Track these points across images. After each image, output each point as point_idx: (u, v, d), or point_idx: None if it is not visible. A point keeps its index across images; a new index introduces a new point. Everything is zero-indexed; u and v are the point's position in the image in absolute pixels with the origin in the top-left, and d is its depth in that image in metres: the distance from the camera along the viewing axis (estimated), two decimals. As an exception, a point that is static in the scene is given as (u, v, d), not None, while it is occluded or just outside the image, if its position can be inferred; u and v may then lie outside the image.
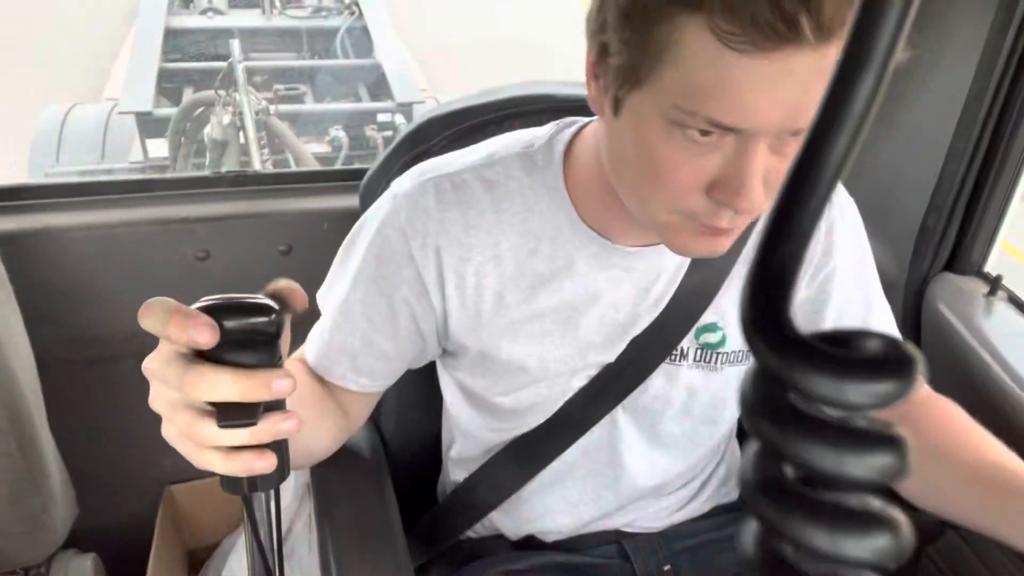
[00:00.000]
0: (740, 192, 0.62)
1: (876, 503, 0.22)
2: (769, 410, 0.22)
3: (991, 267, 1.21)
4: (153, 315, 0.48)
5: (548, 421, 0.92)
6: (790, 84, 0.57)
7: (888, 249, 1.24)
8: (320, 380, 0.89)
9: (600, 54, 0.65)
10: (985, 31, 1.05)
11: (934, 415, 0.87)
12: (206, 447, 0.52)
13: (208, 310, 0.50)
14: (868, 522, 0.21)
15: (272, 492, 0.59)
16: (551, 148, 0.82)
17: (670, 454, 0.97)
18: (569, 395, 0.90)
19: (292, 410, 0.53)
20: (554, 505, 0.99)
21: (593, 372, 0.89)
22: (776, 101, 0.58)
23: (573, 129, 0.83)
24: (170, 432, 0.53)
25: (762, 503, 0.23)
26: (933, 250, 1.19)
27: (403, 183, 0.85)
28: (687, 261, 0.85)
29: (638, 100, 0.63)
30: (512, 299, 0.84)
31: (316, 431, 0.85)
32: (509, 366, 0.87)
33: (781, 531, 0.22)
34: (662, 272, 0.85)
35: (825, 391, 0.21)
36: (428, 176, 0.84)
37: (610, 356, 0.88)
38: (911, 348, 0.21)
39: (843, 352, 0.21)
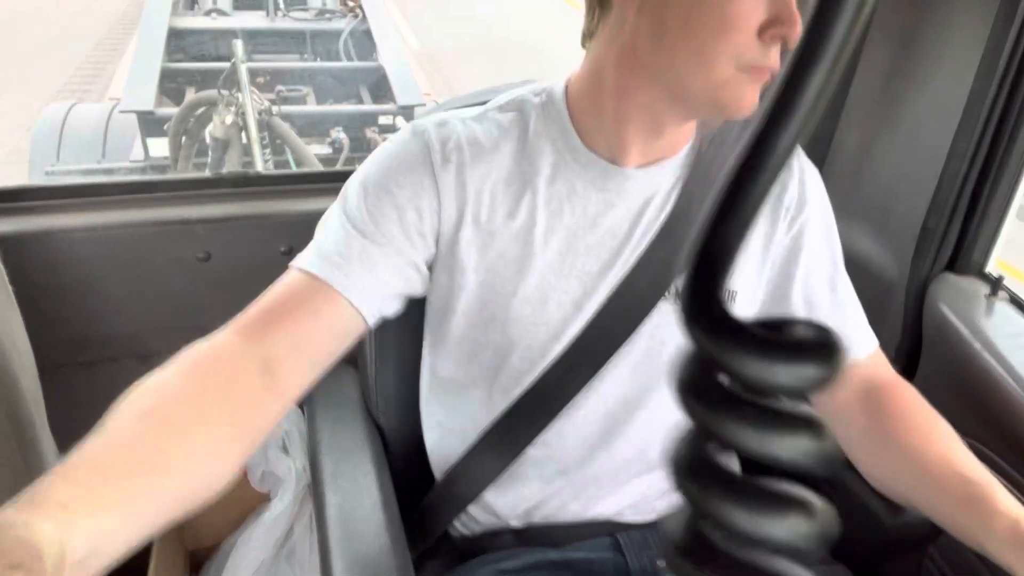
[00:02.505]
0: (792, 20, 0.73)
1: (796, 487, 0.22)
2: (697, 389, 0.23)
3: (991, 267, 1.21)
4: None
5: (529, 392, 0.93)
6: None
7: (889, 249, 1.24)
8: (220, 390, 0.71)
9: None
10: (987, 31, 1.05)
11: (896, 401, 0.90)
12: None
13: None
14: (786, 503, 0.22)
15: None
16: (552, 89, 0.91)
17: (654, 414, 0.97)
18: (566, 339, 0.90)
19: None
20: (544, 479, 0.99)
21: (590, 312, 0.90)
22: None
23: (566, 76, 0.92)
24: None
25: (683, 480, 0.23)
26: (934, 250, 1.19)
27: (421, 119, 0.91)
28: (676, 190, 0.90)
29: None
30: (520, 220, 0.88)
31: (218, 446, 0.68)
32: (512, 298, 0.89)
33: (701, 508, 0.22)
34: (653, 197, 0.90)
35: (750, 371, 0.21)
36: (448, 114, 0.91)
37: (608, 286, 0.90)
38: (836, 336, 0.22)
39: (770, 334, 0.22)
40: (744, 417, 0.21)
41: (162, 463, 0.63)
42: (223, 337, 0.76)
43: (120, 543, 0.57)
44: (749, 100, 0.78)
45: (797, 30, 0.73)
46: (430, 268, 0.91)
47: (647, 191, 0.90)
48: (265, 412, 0.75)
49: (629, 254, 0.90)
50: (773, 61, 0.76)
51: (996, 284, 1.17)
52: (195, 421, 0.67)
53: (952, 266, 1.21)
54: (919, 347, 1.21)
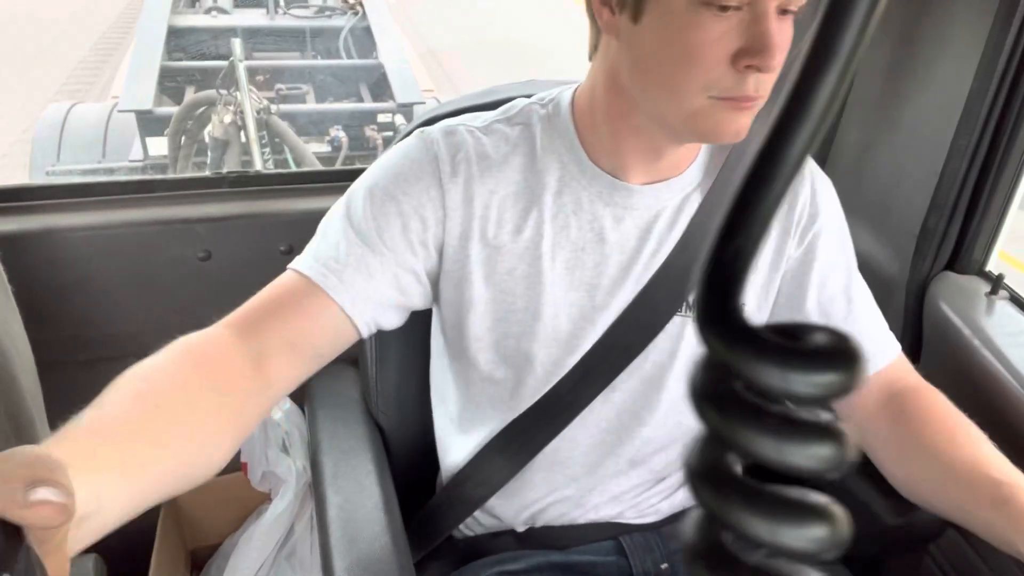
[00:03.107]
0: (767, 50, 0.70)
1: (814, 494, 0.22)
2: (714, 397, 0.23)
3: (992, 267, 1.21)
4: None
5: (541, 402, 0.92)
6: None
7: (889, 248, 1.24)
8: (214, 379, 0.73)
9: None
10: (986, 29, 1.05)
11: (921, 404, 0.90)
12: None
13: None
14: (806, 511, 0.22)
15: None
16: (559, 101, 0.90)
17: (664, 425, 0.97)
18: (578, 355, 0.90)
19: None
20: (552, 485, 0.99)
21: (603, 325, 0.90)
22: None
23: (574, 86, 0.91)
24: None
25: (703, 490, 0.23)
26: (935, 249, 1.19)
27: (430, 128, 0.90)
28: (686, 205, 0.90)
29: None
30: (527, 234, 0.88)
31: (203, 459, 0.69)
32: (524, 314, 0.89)
33: (721, 518, 0.22)
34: (661, 213, 0.89)
35: (769, 380, 0.21)
36: (456, 122, 0.90)
37: (619, 300, 0.89)
38: (855, 342, 0.22)
39: (788, 342, 0.22)
40: (765, 427, 0.21)
41: (156, 438, 0.63)
42: (215, 330, 0.77)
43: (120, 507, 0.56)
44: (732, 128, 0.76)
45: (774, 59, 0.71)
46: (434, 281, 0.90)
47: (654, 207, 0.89)
48: (254, 403, 0.76)
49: (641, 269, 0.89)
50: (751, 90, 0.73)
51: (996, 283, 1.17)
52: (187, 406, 0.67)
53: (952, 265, 1.21)
54: (919, 346, 1.21)
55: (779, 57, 0.71)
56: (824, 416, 0.22)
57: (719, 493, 0.22)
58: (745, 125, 0.77)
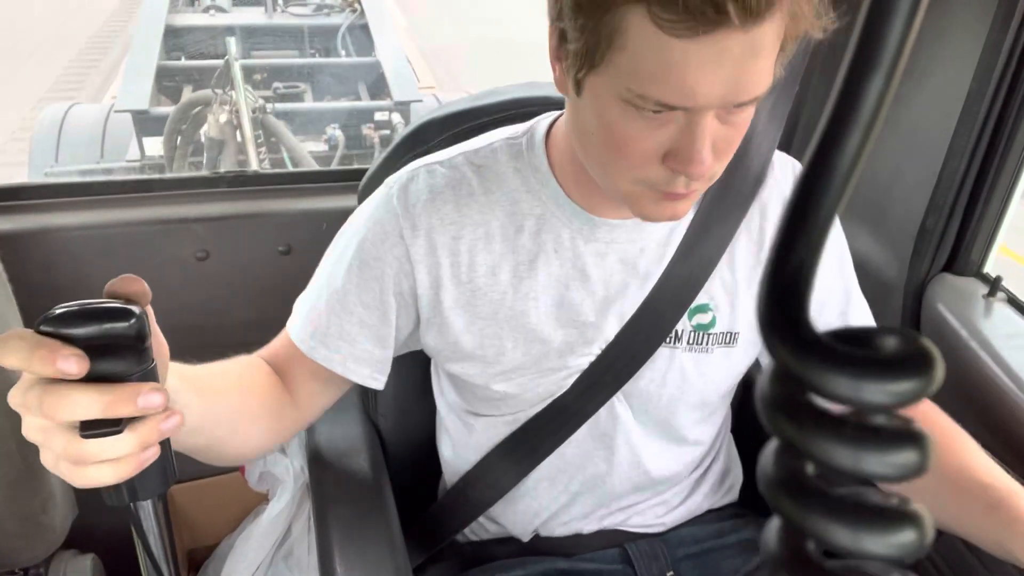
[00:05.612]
0: (691, 160, 0.68)
1: (897, 498, 0.22)
2: (788, 409, 0.22)
3: (990, 268, 1.21)
4: (13, 352, 0.48)
5: (545, 412, 0.92)
6: (726, 63, 0.63)
7: (887, 249, 1.24)
8: (268, 375, 0.88)
9: (560, 39, 0.71)
10: (985, 30, 1.05)
11: (914, 413, 0.88)
12: (84, 465, 0.52)
13: (61, 320, 0.49)
14: (892, 517, 0.22)
15: (158, 499, 0.59)
16: (533, 134, 0.89)
17: (665, 440, 0.97)
18: (571, 380, 0.90)
19: (173, 408, 0.54)
20: (556, 494, 0.99)
21: (592, 356, 0.89)
22: (715, 80, 0.64)
23: (552, 117, 0.90)
24: (47, 458, 0.53)
25: (784, 500, 0.23)
26: (933, 250, 1.19)
27: (397, 174, 0.90)
28: (673, 237, 0.88)
29: (595, 82, 0.69)
30: (505, 276, 0.87)
31: (247, 431, 0.84)
32: (513, 353, 0.89)
33: (804, 528, 0.22)
34: (645, 246, 0.88)
35: (845, 391, 0.21)
36: (421, 164, 0.89)
37: (607, 333, 0.89)
38: (930, 345, 0.22)
39: (862, 351, 0.21)
40: (844, 436, 0.21)
41: (223, 396, 0.78)
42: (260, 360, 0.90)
43: (191, 418, 0.68)
44: (666, 213, 0.75)
45: (699, 168, 0.68)
46: (417, 327, 0.92)
47: (638, 241, 0.87)
48: (289, 419, 0.89)
49: (629, 302, 0.88)
50: (680, 187, 0.71)
51: (994, 285, 1.17)
52: (244, 392, 0.82)
53: (950, 266, 1.21)
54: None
55: (708, 163, 0.68)
56: (905, 421, 0.22)
57: (801, 503, 0.22)
58: (683, 210, 0.75)
